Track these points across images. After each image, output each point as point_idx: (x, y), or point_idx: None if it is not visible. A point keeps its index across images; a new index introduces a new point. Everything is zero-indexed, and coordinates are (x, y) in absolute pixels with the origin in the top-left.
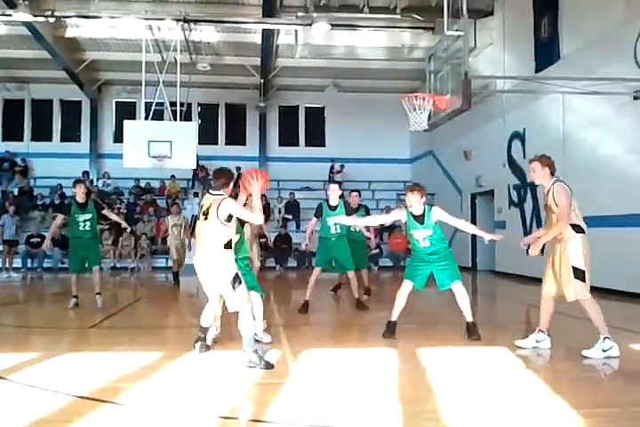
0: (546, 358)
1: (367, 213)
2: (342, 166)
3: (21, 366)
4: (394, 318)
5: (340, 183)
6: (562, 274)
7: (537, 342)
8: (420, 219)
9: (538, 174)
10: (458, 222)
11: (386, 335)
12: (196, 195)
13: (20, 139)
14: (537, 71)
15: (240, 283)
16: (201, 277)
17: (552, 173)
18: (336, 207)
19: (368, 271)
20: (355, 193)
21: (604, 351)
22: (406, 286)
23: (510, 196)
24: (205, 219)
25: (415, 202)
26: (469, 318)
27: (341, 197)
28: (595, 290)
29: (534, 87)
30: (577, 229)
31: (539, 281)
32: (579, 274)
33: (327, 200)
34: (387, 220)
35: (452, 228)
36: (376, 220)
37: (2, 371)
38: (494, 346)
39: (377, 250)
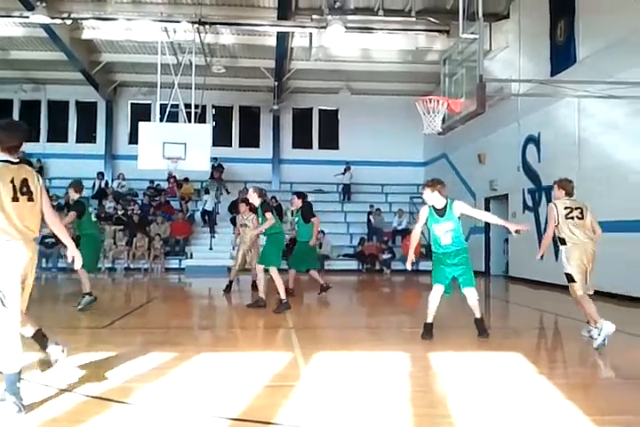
0: (559, 363)
1: (304, 215)
2: (347, 168)
3: (34, 365)
4: (430, 320)
5: (349, 186)
6: None
7: None
8: (441, 212)
9: None
10: (482, 214)
11: (425, 337)
12: (206, 191)
13: (36, 139)
14: (553, 74)
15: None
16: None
17: None
18: (257, 210)
19: (318, 271)
20: (293, 196)
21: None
22: (437, 290)
23: (525, 200)
24: (30, 199)
25: (428, 197)
26: (477, 315)
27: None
28: (604, 295)
29: (550, 91)
30: None
31: (551, 286)
32: None
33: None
34: (422, 222)
35: (466, 231)
36: (416, 230)
37: None
38: (507, 351)
39: (389, 254)
